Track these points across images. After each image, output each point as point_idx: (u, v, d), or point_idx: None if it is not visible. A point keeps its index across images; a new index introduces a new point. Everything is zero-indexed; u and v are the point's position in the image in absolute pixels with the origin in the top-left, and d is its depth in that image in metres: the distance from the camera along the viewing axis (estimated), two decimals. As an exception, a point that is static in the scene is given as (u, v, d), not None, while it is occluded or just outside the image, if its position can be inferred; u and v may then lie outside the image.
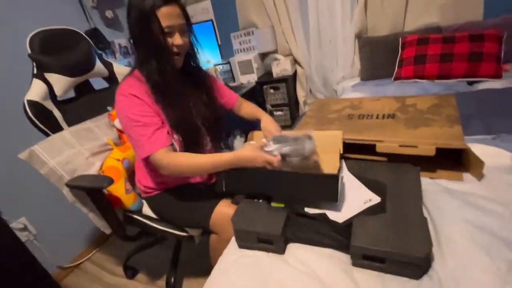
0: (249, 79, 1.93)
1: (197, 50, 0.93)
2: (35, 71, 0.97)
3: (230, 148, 2.10)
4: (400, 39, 1.53)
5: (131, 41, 0.83)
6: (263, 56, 2.03)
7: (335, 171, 0.78)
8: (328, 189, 0.69)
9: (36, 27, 1.03)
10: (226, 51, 2.11)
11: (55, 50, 1.01)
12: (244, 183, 0.82)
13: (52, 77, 0.98)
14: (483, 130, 0.94)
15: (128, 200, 1.06)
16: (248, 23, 1.96)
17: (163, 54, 0.79)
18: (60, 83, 1.00)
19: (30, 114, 0.92)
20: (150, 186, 1.01)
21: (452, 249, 0.55)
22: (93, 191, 0.95)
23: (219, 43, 2.06)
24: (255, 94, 1.95)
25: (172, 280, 1.22)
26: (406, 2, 1.55)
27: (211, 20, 1.97)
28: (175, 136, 0.86)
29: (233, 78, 2.02)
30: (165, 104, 0.83)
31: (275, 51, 1.97)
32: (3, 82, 1.32)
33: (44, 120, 0.96)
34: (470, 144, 0.80)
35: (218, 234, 0.93)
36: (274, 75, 1.87)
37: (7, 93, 1.31)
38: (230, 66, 1.99)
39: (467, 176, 0.79)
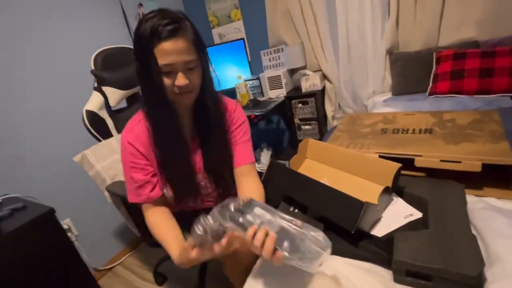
0: (278, 94, 1.98)
1: (214, 85, 0.79)
2: (95, 85, 1.09)
3: (257, 160, 2.14)
4: (434, 53, 1.51)
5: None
6: (292, 71, 2.08)
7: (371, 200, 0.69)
8: (349, 214, 0.63)
9: (92, 47, 1.17)
10: (255, 67, 2.20)
11: (113, 66, 1.13)
12: (285, 179, 0.82)
13: (108, 90, 1.09)
14: (533, 147, 0.89)
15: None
16: (278, 40, 2.03)
17: (158, 96, 0.69)
18: (114, 95, 1.11)
19: (86, 122, 1.03)
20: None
21: (505, 269, 0.52)
22: (123, 198, 1.00)
23: (249, 60, 2.15)
24: (283, 109, 1.99)
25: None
26: (440, 17, 1.53)
27: (243, 39, 2.07)
28: (166, 188, 0.81)
29: (262, 93, 2.08)
30: (160, 153, 0.75)
31: (304, 67, 2.02)
32: (67, 93, 1.49)
33: (97, 128, 1.06)
34: (519, 162, 0.76)
35: (224, 264, 0.88)
36: (303, 90, 1.91)
37: (69, 103, 1.48)
38: (260, 82, 2.06)
39: (517, 195, 0.75)
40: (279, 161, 0.78)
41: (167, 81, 0.67)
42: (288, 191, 0.82)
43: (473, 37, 1.49)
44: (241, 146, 0.85)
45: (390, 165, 0.75)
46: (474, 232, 0.62)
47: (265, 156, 2.16)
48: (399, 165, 0.73)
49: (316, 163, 0.99)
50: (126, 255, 1.76)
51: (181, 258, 0.65)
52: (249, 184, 0.83)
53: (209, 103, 0.77)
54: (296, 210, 0.79)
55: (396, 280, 0.59)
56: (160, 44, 0.62)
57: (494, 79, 1.27)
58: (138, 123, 0.76)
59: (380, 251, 0.63)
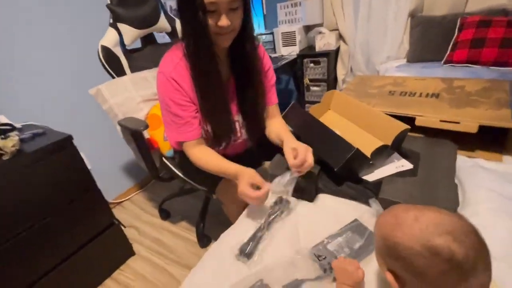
0: (291, 51, 1.94)
1: (253, 30, 0.78)
2: (111, 21, 1.09)
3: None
4: (458, 20, 1.44)
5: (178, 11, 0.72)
6: (308, 29, 2.00)
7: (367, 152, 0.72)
8: (338, 154, 0.70)
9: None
10: (270, 21, 2.11)
11: (129, 2, 1.11)
12: (297, 120, 0.90)
13: (123, 27, 1.09)
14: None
15: (165, 146, 1.17)
16: (297, -7, 1.93)
17: (202, 36, 0.68)
18: (129, 33, 1.12)
19: (101, 57, 1.05)
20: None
21: (476, 211, 0.58)
22: (134, 132, 1.06)
23: (265, 13, 2.06)
24: (294, 67, 1.96)
25: (201, 225, 1.37)
26: (473, -21, 1.43)
27: (259, -12, 1.97)
28: (206, 126, 0.83)
29: (274, 49, 2.04)
30: (201, 92, 0.78)
31: (321, 25, 1.94)
32: (84, 28, 1.49)
33: (112, 64, 1.09)
34: (518, 130, 0.79)
35: (224, 204, 0.94)
36: (317, 49, 1.86)
37: (86, 38, 1.49)
38: (273, 37, 2.00)
39: (507, 158, 0.79)
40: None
41: (210, 20, 0.66)
42: (297, 129, 0.88)
43: (503, 4, 1.40)
44: (269, 89, 0.91)
45: (397, 125, 0.76)
46: (457, 182, 0.68)
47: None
48: (405, 126, 0.74)
49: (336, 115, 1.03)
50: (134, 193, 1.91)
51: (246, 179, 0.71)
52: (275, 125, 0.92)
53: (248, 47, 0.78)
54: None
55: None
56: None
57: (514, 50, 1.23)
58: (179, 61, 0.76)
59: (368, 192, 0.70)
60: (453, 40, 1.44)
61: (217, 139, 0.86)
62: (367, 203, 0.68)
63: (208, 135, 0.84)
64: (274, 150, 0.92)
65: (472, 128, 0.78)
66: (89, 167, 1.30)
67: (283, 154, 0.74)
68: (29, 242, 0.99)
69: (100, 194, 1.20)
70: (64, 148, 1.05)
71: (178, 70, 0.75)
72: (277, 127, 0.89)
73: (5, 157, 0.90)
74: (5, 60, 1.25)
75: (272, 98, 0.93)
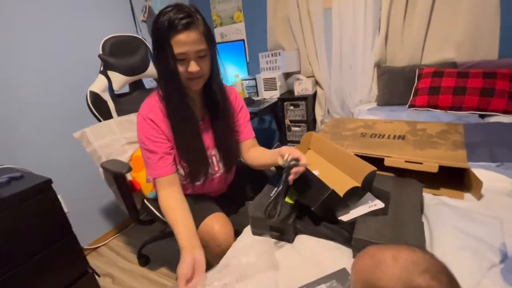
0: (272, 95, 2.08)
1: (220, 73, 0.89)
2: (101, 69, 1.16)
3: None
4: (417, 70, 1.64)
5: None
6: (287, 75, 2.19)
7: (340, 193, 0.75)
8: (315, 194, 0.74)
9: (98, 34, 1.25)
10: (253, 68, 2.30)
11: (120, 52, 1.20)
12: None
13: (113, 75, 1.17)
14: (488, 158, 1.01)
15: (147, 188, 1.18)
16: (276, 45, 2.14)
17: (174, 81, 0.78)
18: (118, 79, 1.19)
19: (89, 102, 1.10)
20: None
21: (442, 249, 0.63)
22: (116, 175, 1.08)
23: (248, 61, 2.25)
24: (275, 109, 2.09)
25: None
26: (425, 37, 1.67)
27: (243, 40, 2.17)
28: (182, 163, 0.89)
29: (257, 93, 2.18)
30: (174, 129, 0.84)
31: (298, 72, 2.13)
32: (74, 76, 1.56)
33: (99, 109, 1.13)
34: (474, 169, 0.87)
35: (206, 248, 0.89)
36: (296, 93, 2.02)
37: (76, 84, 1.55)
38: (256, 82, 2.16)
39: (468, 196, 0.86)
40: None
41: (181, 67, 0.76)
42: (280, 168, 0.91)
43: (453, 58, 1.63)
44: (244, 125, 1.01)
45: (365, 166, 0.81)
46: (424, 220, 0.73)
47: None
48: (372, 167, 0.79)
49: (315, 155, 1.09)
50: (112, 237, 1.81)
51: (184, 257, 0.71)
52: (257, 150, 0.99)
53: (216, 88, 0.88)
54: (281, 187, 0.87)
55: (355, 256, 0.68)
56: (176, 35, 0.72)
57: (465, 97, 1.41)
58: (155, 105, 0.84)
59: (344, 232, 0.73)
60: (414, 87, 1.63)
61: (194, 173, 0.92)
62: (344, 243, 0.71)
63: (185, 171, 0.90)
64: (256, 188, 0.96)
65: (433, 168, 0.86)
66: (65, 210, 1.26)
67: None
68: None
69: (75, 240, 1.14)
70: (42, 192, 1.03)
71: (155, 111, 0.84)
72: (258, 152, 0.98)
73: (-23, 204, 0.87)
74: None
75: (250, 132, 1.03)
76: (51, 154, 1.50)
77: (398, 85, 1.72)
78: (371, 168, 0.79)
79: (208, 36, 0.77)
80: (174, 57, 0.74)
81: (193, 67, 0.76)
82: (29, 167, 1.21)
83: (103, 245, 1.76)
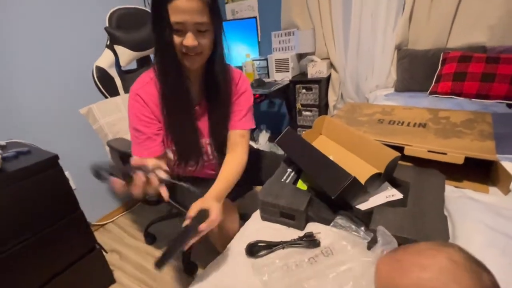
0: (283, 77, 2.00)
1: (223, 53, 0.79)
2: (108, 42, 1.11)
3: (255, 140, 2.19)
4: (441, 54, 1.53)
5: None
6: (300, 56, 2.09)
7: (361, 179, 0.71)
8: (335, 182, 0.68)
9: (105, 5, 1.18)
10: (264, 48, 2.20)
11: (127, 26, 1.14)
12: (291, 144, 0.88)
13: (120, 49, 1.12)
14: (518, 151, 0.94)
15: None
16: (290, 23, 2.03)
17: (169, 55, 0.69)
18: (125, 55, 1.13)
19: (95, 77, 1.06)
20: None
21: (467, 245, 0.58)
22: (122, 154, 1.05)
23: (259, 40, 2.15)
24: (287, 92, 2.01)
25: (188, 252, 1.31)
26: (453, 18, 1.54)
27: (255, 18, 2.06)
28: (172, 146, 0.83)
29: (267, 74, 2.10)
30: (167, 109, 0.77)
31: (313, 53, 2.03)
32: (81, 49, 1.51)
33: (106, 85, 1.09)
34: (502, 162, 0.81)
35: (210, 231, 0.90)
36: (309, 76, 1.93)
37: (83, 58, 1.49)
38: (267, 63, 2.07)
39: (493, 190, 0.80)
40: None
41: (176, 39, 0.67)
42: (292, 155, 0.88)
43: (482, 42, 1.51)
44: (241, 112, 0.88)
45: (388, 152, 0.76)
46: (446, 213, 0.68)
47: (263, 137, 2.20)
48: (396, 153, 0.74)
49: (328, 140, 1.03)
50: (119, 215, 1.83)
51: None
52: (234, 155, 0.87)
53: (218, 70, 0.78)
54: (287, 181, 0.85)
55: (369, 247, 0.65)
56: (174, 1, 0.63)
57: (494, 84, 1.31)
58: (150, 81, 0.77)
59: (360, 222, 0.69)
60: (437, 72, 1.52)
61: (184, 160, 0.86)
62: (359, 234, 0.67)
63: (175, 156, 0.84)
64: (261, 174, 0.92)
65: (459, 159, 0.80)
66: (73, 187, 1.26)
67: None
68: (4, 266, 0.92)
69: (83, 216, 1.14)
70: (49, 168, 1.01)
71: (146, 89, 0.76)
72: (225, 163, 0.86)
73: (-17, 176, 0.86)
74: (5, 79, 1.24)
75: (243, 122, 0.89)
76: (59, 130, 1.48)
77: (420, 70, 1.62)
78: (394, 153, 0.73)
79: (213, 8, 0.68)
80: (170, 26, 0.65)
81: (190, 40, 0.66)
82: (36, 142, 1.19)
83: (110, 222, 1.78)
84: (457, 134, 0.94)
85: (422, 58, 1.62)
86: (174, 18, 0.64)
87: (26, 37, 1.32)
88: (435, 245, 0.36)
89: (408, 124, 1.08)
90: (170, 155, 0.85)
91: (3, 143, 1.10)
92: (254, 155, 1.25)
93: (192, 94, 0.81)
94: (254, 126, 0.92)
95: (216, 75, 0.79)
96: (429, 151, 0.86)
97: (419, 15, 1.62)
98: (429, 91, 1.52)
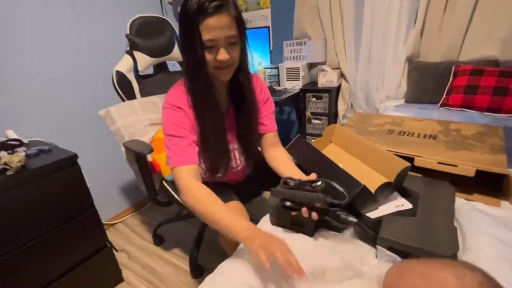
0: (294, 85, 2.03)
1: (247, 62, 0.82)
2: (127, 48, 1.16)
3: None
4: (453, 67, 1.54)
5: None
6: (311, 66, 2.12)
7: (371, 188, 0.72)
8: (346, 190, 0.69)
9: (125, 14, 1.24)
10: (276, 56, 2.24)
11: (146, 33, 1.20)
12: (302, 152, 0.90)
13: (138, 55, 1.17)
14: (530, 166, 0.93)
15: (166, 170, 1.19)
16: (302, 33, 2.07)
17: (200, 71, 0.73)
18: (144, 60, 1.19)
19: (115, 81, 1.11)
20: None
21: (477, 258, 0.58)
22: (137, 155, 1.08)
23: (271, 49, 2.20)
24: (297, 100, 2.04)
25: (195, 253, 1.33)
26: (465, 32, 1.55)
27: (268, 27, 2.12)
28: (202, 154, 0.85)
29: (278, 83, 2.14)
30: (199, 120, 0.80)
31: (324, 63, 2.06)
32: (101, 54, 1.59)
33: (124, 88, 1.14)
34: (513, 176, 0.81)
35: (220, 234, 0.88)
36: (319, 85, 1.95)
37: (102, 62, 1.58)
38: (278, 71, 2.11)
39: (504, 204, 0.80)
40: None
41: (209, 56, 0.71)
42: (302, 161, 0.90)
43: (494, 55, 1.51)
44: (268, 117, 0.95)
45: (399, 162, 0.77)
46: (456, 225, 0.68)
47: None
48: (406, 163, 0.75)
49: (338, 149, 1.05)
50: (129, 215, 1.87)
51: (251, 231, 0.63)
52: (279, 153, 0.93)
53: (243, 79, 0.82)
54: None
55: (378, 256, 0.65)
56: (206, 20, 0.65)
57: (506, 98, 1.30)
58: (183, 95, 0.79)
59: (369, 230, 0.70)
60: (448, 85, 1.53)
61: (214, 166, 0.89)
62: (368, 242, 0.68)
63: (206, 164, 0.89)
64: (273, 180, 0.94)
65: (470, 172, 0.80)
66: (88, 185, 1.30)
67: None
68: (19, 260, 0.95)
69: (96, 214, 1.18)
70: (67, 166, 1.06)
71: (183, 101, 0.79)
72: (279, 160, 0.92)
73: (9, 172, 0.91)
74: (16, 74, 1.30)
75: (272, 125, 0.97)
76: (76, 129, 1.54)
77: (430, 82, 1.62)
78: (404, 164, 0.75)
79: (240, 21, 0.71)
80: (202, 45, 0.68)
81: (223, 55, 0.70)
82: (55, 141, 1.24)
83: (120, 221, 1.82)
84: (467, 147, 0.95)
85: (433, 70, 1.63)
86: (206, 36, 0.67)
87: (54, 41, 1.40)
88: (455, 262, 0.36)
89: (418, 136, 1.09)
90: (202, 165, 0.89)
91: (25, 141, 1.16)
92: (263, 161, 1.28)
93: (220, 103, 0.85)
94: (276, 128, 0.98)
95: (242, 83, 0.83)
96: (439, 163, 0.86)
97: (430, 28, 1.64)
98: (440, 103, 1.52)
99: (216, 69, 0.74)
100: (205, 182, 0.85)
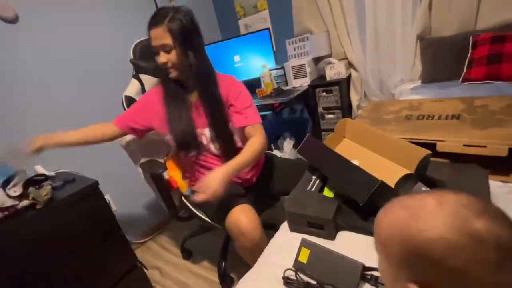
0: (302, 82, 1.99)
1: (205, 64, 1.01)
2: (133, 73, 1.20)
3: (279, 149, 2.18)
4: (470, 38, 1.42)
5: None
6: (317, 60, 2.06)
7: (389, 183, 0.68)
8: (362, 188, 0.66)
9: (127, 37, 1.29)
10: (280, 56, 2.21)
11: (149, 54, 1.23)
12: (314, 151, 0.91)
13: (144, 77, 1.20)
14: None
15: (184, 185, 1.21)
16: (303, 29, 2.02)
17: (158, 68, 0.99)
18: (150, 82, 1.22)
19: (125, 106, 1.14)
20: (190, 179, 1.16)
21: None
22: (153, 175, 1.12)
23: (274, 49, 2.17)
24: (307, 97, 1.99)
25: (223, 264, 1.33)
26: (480, -3, 1.42)
27: (268, 29, 2.09)
28: (171, 133, 1.04)
29: (286, 82, 2.10)
30: (167, 106, 1.02)
31: (329, 55, 1.99)
32: (110, 80, 1.67)
33: (134, 112, 1.17)
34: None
35: (234, 239, 0.97)
36: (328, 78, 1.89)
37: (111, 88, 1.64)
38: (284, 71, 2.07)
39: (548, 182, 0.71)
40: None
41: (156, 58, 0.95)
42: (315, 162, 0.88)
43: (516, 18, 1.37)
44: (244, 110, 1.04)
45: (417, 151, 0.72)
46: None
47: (288, 145, 2.18)
48: (426, 151, 0.70)
49: (352, 143, 1.00)
50: (157, 232, 1.92)
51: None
52: (248, 142, 1.01)
53: (200, 77, 0.99)
54: (318, 181, 0.83)
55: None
56: (149, 31, 0.92)
57: (537, 63, 1.17)
58: (160, 89, 1.06)
59: (393, 227, 0.65)
60: (468, 58, 1.41)
61: (181, 143, 1.04)
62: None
63: (175, 140, 1.04)
64: (288, 184, 0.93)
65: (502, 151, 0.72)
66: (113, 208, 1.35)
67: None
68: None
69: (124, 237, 1.22)
70: (90, 193, 1.10)
71: (155, 94, 1.07)
72: (247, 146, 1.00)
73: (38, 206, 0.97)
74: (40, 111, 1.40)
75: (250, 118, 1.04)
76: (97, 157, 1.61)
77: (447, 58, 1.51)
78: (424, 152, 0.69)
79: (175, 32, 0.89)
80: (152, 49, 0.95)
81: (160, 58, 0.94)
82: (80, 169, 1.31)
83: (150, 239, 1.88)
84: (498, 123, 0.86)
85: (449, 45, 1.51)
86: (151, 43, 0.94)
87: (58, 69, 1.48)
88: (442, 189, 0.34)
89: (440, 118, 1.01)
90: (173, 142, 1.05)
91: (52, 173, 1.23)
92: (279, 165, 1.25)
93: (191, 96, 1.05)
94: (260, 120, 1.06)
95: (200, 80, 1.01)
96: (465, 145, 0.79)
97: (440, 1, 1.52)
98: (461, 79, 1.41)
99: (166, 68, 0.96)
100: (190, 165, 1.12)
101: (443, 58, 1.53)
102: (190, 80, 1.01)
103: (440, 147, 0.83)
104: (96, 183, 1.11)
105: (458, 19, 1.50)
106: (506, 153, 0.72)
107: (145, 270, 1.32)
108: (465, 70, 1.40)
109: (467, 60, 1.41)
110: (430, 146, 0.83)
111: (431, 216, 0.30)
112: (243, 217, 0.92)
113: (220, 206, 0.98)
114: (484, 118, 0.92)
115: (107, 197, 1.58)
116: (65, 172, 1.29)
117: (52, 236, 0.99)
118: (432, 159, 0.84)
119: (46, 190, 1.00)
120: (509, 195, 0.68)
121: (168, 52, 0.92)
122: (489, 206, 0.30)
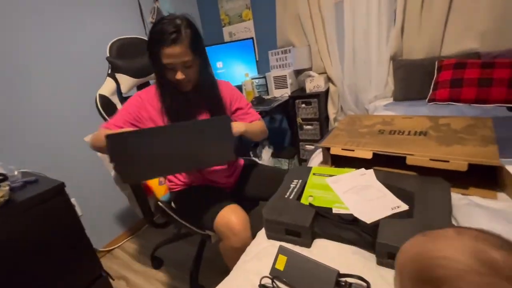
0: (283, 93, 2.03)
1: (211, 72, 1.01)
2: (109, 71, 1.15)
3: (258, 157, 2.19)
4: (436, 62, 1.55)
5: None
6: (298, 72, 2.13)
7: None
8: (223, 143, 0.74)
9: (108, 35, 1.25)
10: (262, 66, 2.26)
11: (127, 55, 1.19)
12: (136, 163, 0.77)
13: (121, 77, 1.16)
14: (522, 154, 0.93)
15: (160, 191, 1.17)
16: (286, 42, 2.09)
17: (164, 82, 0.93)
18: (127, 82, 1.17)
19: (99, 105, 1.09)
20: (174, 182, 1.12)
21: (479, 256, 0.57)
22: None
23: (257, 59, 2.21)
24: (287, 107, 2.04)
25: (195, 275, 1.29)
26: (445, 27, 1.58)
27: (252, 38, 2.14)
28: None
29: (267, 92, 2.14)
30: (164, 103, 0.97)
31: (310, 69, 2.07)
32: (84, 77, 1.59)
33: (109, 112, 1.12)
34: (507, 166, 0.80)
35: (222, 240, 0.95)
36: (307, 91, 1.96)
37: (86, 86, 1.57)
38: (266, 80, 2.11)
39: (501, 196, 0.79)
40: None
41: (169, 74, 0.90)
42: (154, 166, 0.85)
43: (475, 48, 1.53)
44: (249, 110, 1.14)
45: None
46: (454, 222, 0.67)
47: (266, 153, 2.21)
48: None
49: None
50: (125, 240, 1.82)
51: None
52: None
53: (208, 86, 1.00)
54: (296, 188, 0.85)
55: (379, 263, 0.63)
56: (164, 49, 0.84)
57: (492, 88, 1.31)
58: (154, 93, 0.98)
59: (366, 235, 0.68)
60: (433, 80, 1.54)
61: None
62: (367, 248, 0.66)
63: None
64: (265, 190, 0.95)
65: (462, 166, 0.79)
66: (79, 213, 1.26)
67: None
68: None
69: (89, 243, 1.14)
70: (55, 196, 1.03)
71: (150, 95, 0.98)
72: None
73: (-8, 208, 0.88)
74: (4, 105, 1.29)
75: (255, 115, 1.15)
76: (64, 157, 1.51)
77: (416, 79, 1.64)
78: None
79: (194, 48, 0.87)
80: (163, 66, 0.87)
81: (179, 75, 0.89)
82: (44, 171, 1.21)
83: (117, 247, 1.77)
84: (459, 141, 0.94)
85: (418, 67, 1.64)
86: (165, 60, 0.86)
87: (29, 65, 1.39)
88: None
89: (409, 133, 1.09)
90: None
91: (16, 172, 1.12)
92: (260, 171, 1.26)
93: (193, 104, 1.00)
94: (259, 116, 1.16)
95: (208, 89, 1.01)
96: (431, 160, 0.85)
97: (410, 26, 1.66)
98: (427, 99, 1.53)
99: (177, 83, 0.92)
100: (199, 186, 1.04)
101: (413, 79, 1.65)
102: (197, 87, 0.99)
103: (409, 161, 0.88)
104: (61, 185, 1.04)
105: (426, 44, 1.65)
106: (465, 168, 0.78)
107: (111, 280, 1.24)
108: (431, 91, 1.53)
109: (433, 82, 1.54)
110: (401, 159, 0.89)
111: (450, 241, 0.31)
112: (233, 217, 0.91)
113: (207, 209, 0.96)
114: (447, 136, 1.00)
115: (72, 200, 1.49)
116: (26, 172, 1.19)
117: (8, 242, 0.90)
118: (401, 171, 0.89)
119: (2, 191, 0.91)
120: (468, 206, 0.73)
121: (188, 67, 0.89)
122: (508, 242, 0.31)
